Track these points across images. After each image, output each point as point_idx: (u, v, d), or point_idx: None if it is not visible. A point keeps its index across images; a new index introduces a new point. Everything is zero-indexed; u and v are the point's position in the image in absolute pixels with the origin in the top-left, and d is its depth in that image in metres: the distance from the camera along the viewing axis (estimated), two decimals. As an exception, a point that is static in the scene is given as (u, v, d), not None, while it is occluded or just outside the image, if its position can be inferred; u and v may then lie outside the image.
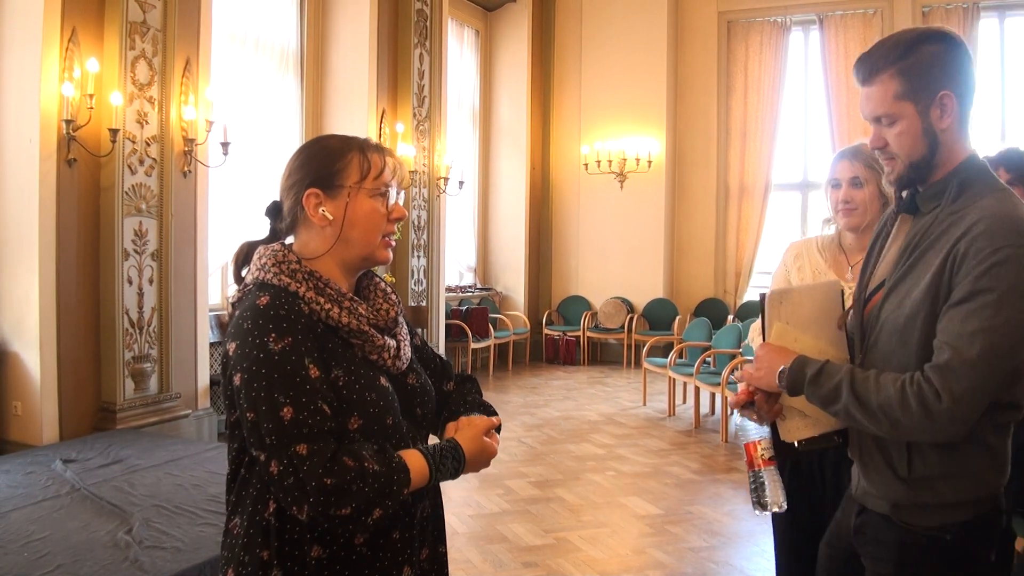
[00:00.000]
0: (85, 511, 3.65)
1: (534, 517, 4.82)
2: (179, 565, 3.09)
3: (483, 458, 1.72)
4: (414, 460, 1.56)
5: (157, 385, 5.52)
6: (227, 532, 1.63)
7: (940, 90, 1.90)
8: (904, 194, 2.02)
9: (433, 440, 1.72)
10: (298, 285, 1.58)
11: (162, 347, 5.54)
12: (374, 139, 1.73)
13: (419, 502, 1.67)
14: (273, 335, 1.49)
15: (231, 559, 1.58)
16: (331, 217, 1.62)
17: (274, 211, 1.72)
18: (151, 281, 5.43)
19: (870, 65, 1.91)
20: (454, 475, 1.65)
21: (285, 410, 1.44)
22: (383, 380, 1.62)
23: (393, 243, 1.71)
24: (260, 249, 1.66)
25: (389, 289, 1.78)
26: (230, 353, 1.52)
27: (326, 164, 1.64)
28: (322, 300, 1.58)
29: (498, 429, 1.81)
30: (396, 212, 1.67)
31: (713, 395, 7.53)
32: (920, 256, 1.90)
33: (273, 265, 1.60)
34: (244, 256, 1.71)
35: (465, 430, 1.72)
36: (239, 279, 1.71)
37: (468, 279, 10.68)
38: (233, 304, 1.64)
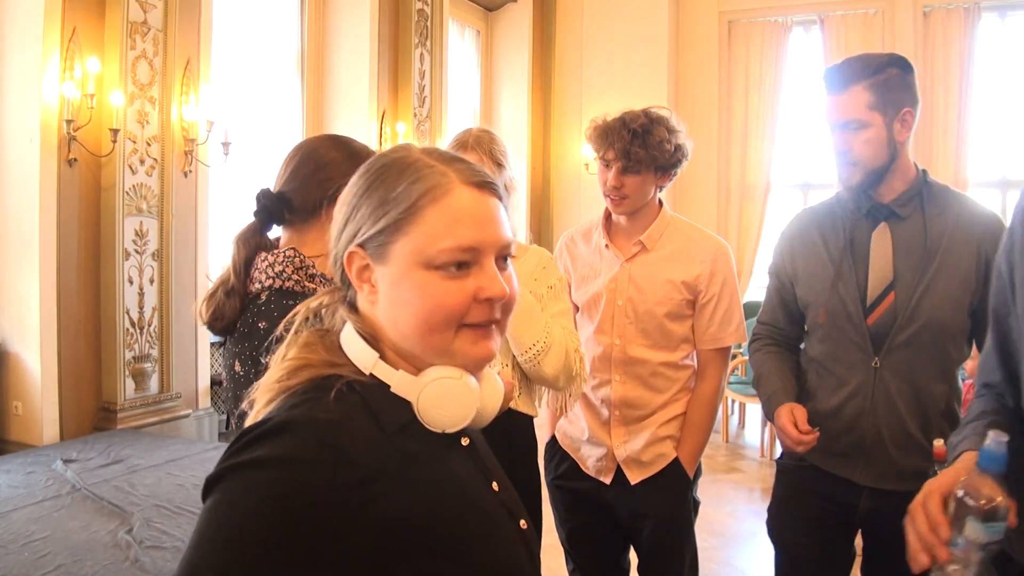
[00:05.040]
0: (86, 511, 3.65)
1: (535, 517, 4.81)
2: (180, 565, 3.09)
3: (509, 388, 1.89)
4: None
5: (158, 385, 5.51)
6: None
7: (904, 107, 2.16)
8: (865, 206, 2.22)
9: None
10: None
11: (163, 347, 5.54)
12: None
13: None
14: None
15: None
16: None
17: (282, 201, 1.70)
18: (152, 281, 5.43)
19: (844, 76, 2.13)
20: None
21: None
22: None
23: None
24: (268, 257, 1.64)
25: None
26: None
27: None
28: None
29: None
30: None
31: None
32: (943, 259, 2.13)
33: (294, 272, 1.60)
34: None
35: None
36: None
37: (469, 279, 10.65)
38: (251, 313, 1.61)
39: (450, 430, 1.13)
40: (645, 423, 2.75)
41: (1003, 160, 9.04)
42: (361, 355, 1.14)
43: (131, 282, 5.29)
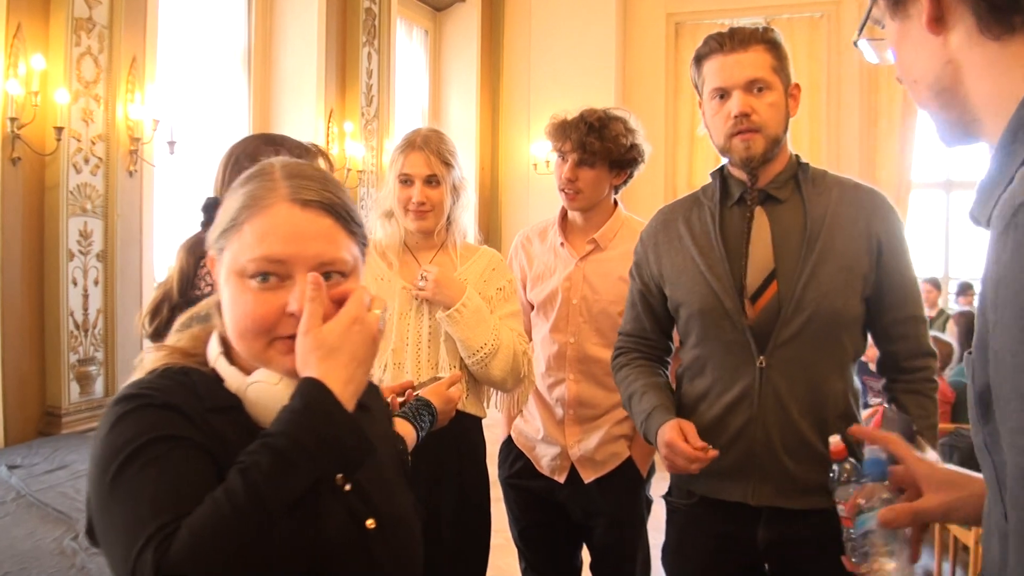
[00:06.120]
0: (31, 518, 3.58)
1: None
2: (129, 571, 3.05)
3: (450, 408, 2.01)
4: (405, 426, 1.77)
5: (103, 388, 5.42)
6: None
7: (792, 81, 2.09)
8: (743, 190, 2.08)
9: None
10: None
11: (107, 350, 5.45)
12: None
13: None
14: None
15: None
16: None
17: None
18: (96, 282, 5.34)
19: (743, 35, 2.03)
20: (430, 426, 1.88)
21: None
22: None
23: None
24: (207, 264, 1.67)
25: None
26: None
27: None
28: None
29: None
30: None
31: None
32: (827, 242, 1.97)
33: None
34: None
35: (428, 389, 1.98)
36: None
37: (418, 279, 10.61)
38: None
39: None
40: (599, 422, 2.78)
41: (947, 162, 9.24)
42: (211, 350, 1.26)
43: (75, 284, 5.20)
